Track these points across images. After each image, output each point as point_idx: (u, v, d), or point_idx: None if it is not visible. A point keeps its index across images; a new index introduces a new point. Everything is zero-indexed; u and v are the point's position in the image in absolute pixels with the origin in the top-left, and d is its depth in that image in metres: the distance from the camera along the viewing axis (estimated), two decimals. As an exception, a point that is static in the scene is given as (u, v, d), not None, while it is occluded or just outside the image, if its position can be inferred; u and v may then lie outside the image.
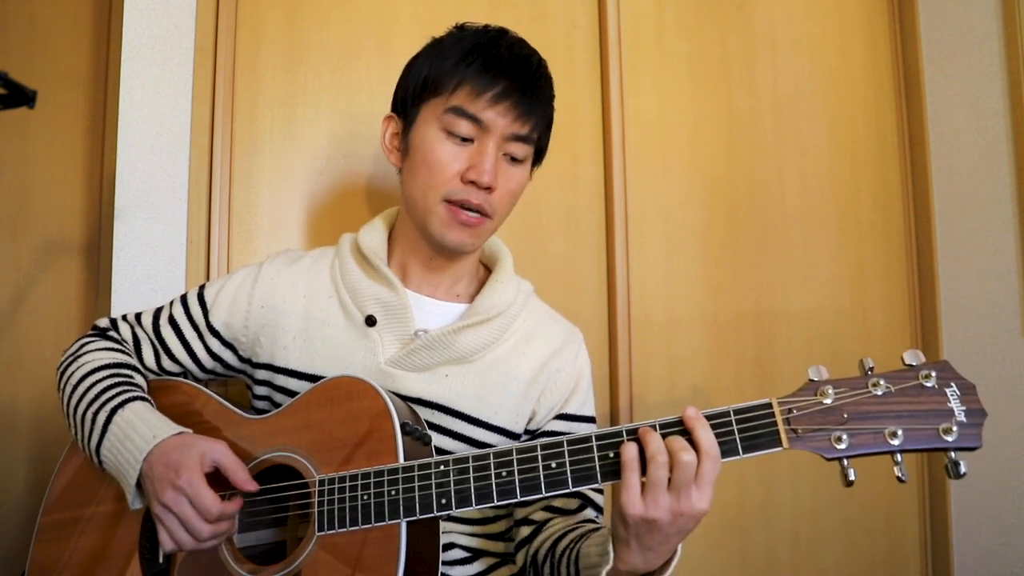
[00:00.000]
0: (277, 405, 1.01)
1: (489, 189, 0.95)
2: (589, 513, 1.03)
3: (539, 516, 1.03)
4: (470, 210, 0.95)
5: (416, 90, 0.99)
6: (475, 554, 1.03)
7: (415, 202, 0.99)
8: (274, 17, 1.39)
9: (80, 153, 1.42)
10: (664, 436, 0.77)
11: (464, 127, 0.95)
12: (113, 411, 0.91)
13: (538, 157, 1.06)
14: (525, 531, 1.03)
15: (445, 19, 1.05)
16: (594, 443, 0.81)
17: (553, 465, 0.81)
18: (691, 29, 1.66)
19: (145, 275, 1.29)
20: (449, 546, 1.00)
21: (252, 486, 0.87)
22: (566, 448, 0.81)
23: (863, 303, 1.75)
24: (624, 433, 0.80)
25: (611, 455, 0.80)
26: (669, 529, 0.76)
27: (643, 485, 0.76)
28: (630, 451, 0.77)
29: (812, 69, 1.76)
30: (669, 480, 0.75)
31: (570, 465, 0.81)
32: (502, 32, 1.00)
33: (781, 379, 1.64)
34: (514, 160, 0.98)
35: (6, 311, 1.36)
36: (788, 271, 1.69)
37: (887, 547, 1.71)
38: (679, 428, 0.78)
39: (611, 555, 0.81)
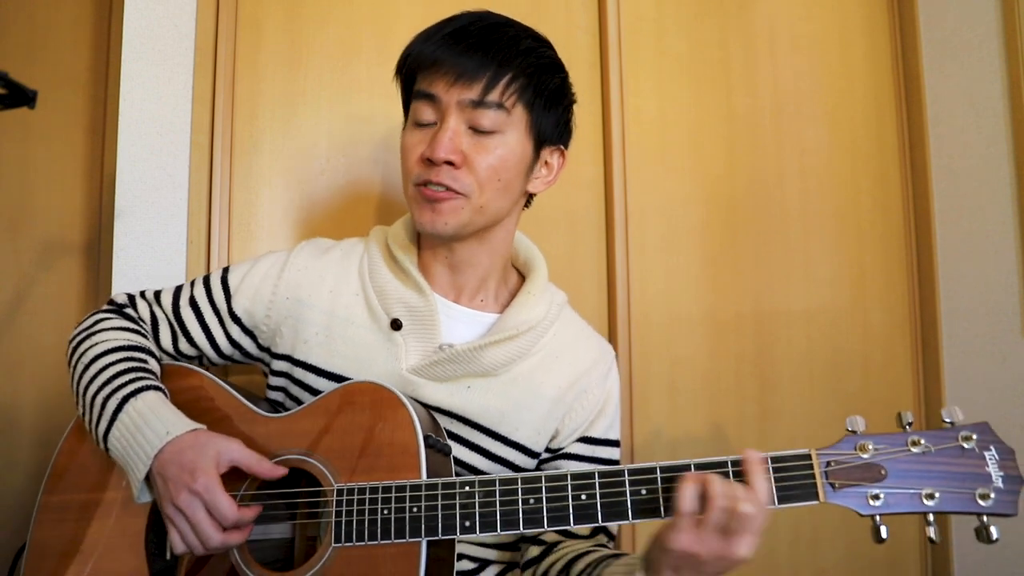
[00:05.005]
0: (292, 397, 0.99)
1: (450, 164, 0.89)
2: (601, 539, 1.01)
3: (550, 537, 1.00)
4: (434, 187, 0.91)
5: (402, 95, 1.00)
6: (482, 564, 1.02)
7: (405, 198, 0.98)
8: (274, 17, 1.39)
9: (80, 153, 1.42)
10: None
11: (424, 111, 0.92)
12: (125, 399, 0.88)
13: (553, 132, 0.97)
14: (535, 551, 1.00)
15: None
16: (626, 478, 0.78)
17: (583, 497, 0.79)
18: (691, 29, 1.66)
19: (145, 275, 1.29)
20: (458, 557, 0.98)
21: (279, 471, 0.85)
22: (597, 481, 0.79)
23: (863, 303, 1.75)
24: (658, 470, 0.77)
25: (643, 492, 0.78)
26: (708, 568, 0.73)
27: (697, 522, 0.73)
28: (690, 493, 0.73)
29: (812, 69, 1.76)
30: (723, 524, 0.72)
31: (600, 499, 0.78)
32: (465, 13, 0.95)
33: (781, 379, 1.64)
34: (481, 131, 0.90)
35: (6, 311, 1.36)
36: (788, 271, 1.68)
37: (887, 547, 1.71)
38: (734, 470, 0.76)
39: None
